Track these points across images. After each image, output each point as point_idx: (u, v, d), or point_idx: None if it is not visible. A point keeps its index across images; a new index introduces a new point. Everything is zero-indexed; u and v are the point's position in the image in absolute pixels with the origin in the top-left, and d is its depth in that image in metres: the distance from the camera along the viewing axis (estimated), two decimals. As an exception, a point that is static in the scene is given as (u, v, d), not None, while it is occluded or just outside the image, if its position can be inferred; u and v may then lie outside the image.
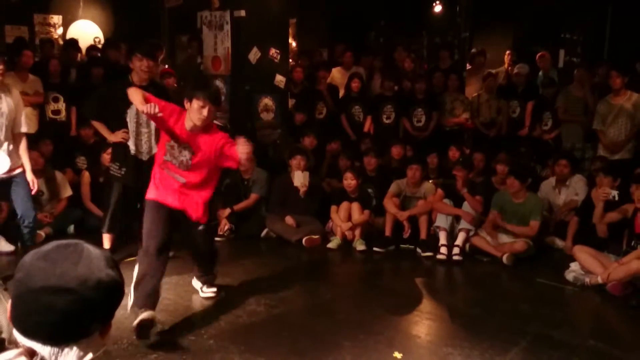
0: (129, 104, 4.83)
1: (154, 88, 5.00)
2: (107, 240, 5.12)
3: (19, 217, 4.63)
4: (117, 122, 4.95)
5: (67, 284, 1.14)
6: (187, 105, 3.76)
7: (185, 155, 3.84)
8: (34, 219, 4.67)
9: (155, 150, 4.94)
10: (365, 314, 4.22)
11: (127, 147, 4.94)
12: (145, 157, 4.97)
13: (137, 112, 4.90)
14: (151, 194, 3.93)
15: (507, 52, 8.62)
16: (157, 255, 3.77)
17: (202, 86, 3.89)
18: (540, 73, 8.12)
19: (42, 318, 1.14)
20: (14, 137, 4.51)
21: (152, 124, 4.89)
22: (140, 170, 4.93)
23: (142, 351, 3.53)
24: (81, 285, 1.15)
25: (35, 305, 1.14)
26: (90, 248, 1.22)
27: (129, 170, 4.98)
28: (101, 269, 1.19)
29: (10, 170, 4.43)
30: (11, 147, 4.47)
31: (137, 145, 4.96)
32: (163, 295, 4.47)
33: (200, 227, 4.04)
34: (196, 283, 4.47)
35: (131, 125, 4.92)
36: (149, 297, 3.69)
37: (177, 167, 3.86)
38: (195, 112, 3.72)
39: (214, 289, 4.40)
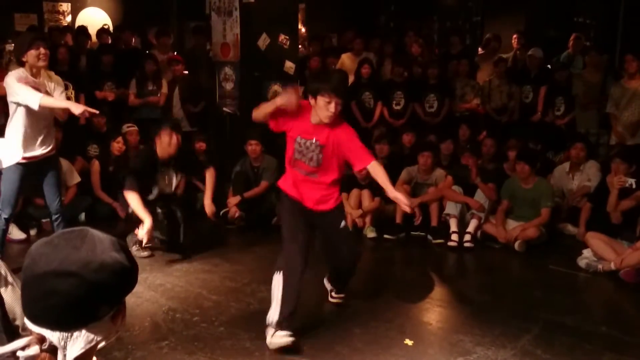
0: None
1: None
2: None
3: (52, 204, 4.65)
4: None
5: (68, 268, 1.15)
6: (312, 102, 3.50)
7: (314, 150, 3.57)
8: (59, 205, 4.69)
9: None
10: (376, 301, 4.23)
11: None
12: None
13: None
14: (288, 187, 3.73)
15: (514, 35, 8.51)
16: (301, 258, 3.52)
17: (325, 80, 3.49)
18: (566, 53, 8.04)
19: (47, 303, 1.15)
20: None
21: None
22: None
23: (154, 338, 3.56)
24: (83, 268, 1.15)
25: (40, 290, 1.15)
26: (95, 233, 1.23)
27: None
28: (105, 251, 1.19)
29: (44, 154, 4.47)
30: (51, 134, 4.52)
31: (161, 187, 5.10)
32: (174, 282, 4.51)
33: (342, 225, 3.70)
34: (327, 284, 4.17)
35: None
36: (293, 316, 3.48)
37: (307, 164, 3.61)
38: (322, 109, 3.44)
39: (343, 295, 4.14)
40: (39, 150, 4.41)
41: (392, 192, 3.50)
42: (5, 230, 4.54)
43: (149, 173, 4.95)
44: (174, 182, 5.16)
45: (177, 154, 5.04)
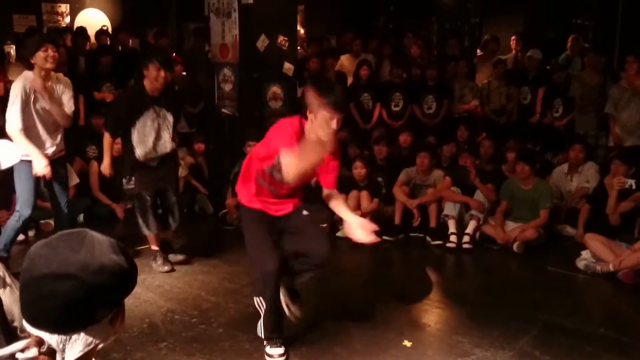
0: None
1: None
2: (152, 240, 4.80)
3: (59, 205, 4.66)
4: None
5: (67, 270, 1.14)
6: (310, 116, 3.10)
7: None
8: (66, 206, 4.71)
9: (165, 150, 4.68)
10: (374, 303, 4.22)
11: (133, 156, 4.60)
12: (154, 164, 4.64)
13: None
14: (249, 201, 3.47)
15: (513, 37, 8.52)
16: (277, 276, 3.33)
17: (329, 94, 3.05)
18: (564, 55, 8.05)
19: (45, 305, 1.15)
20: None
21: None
22: (153, 175, 4.65)
23: (152, 340, 3.56)
24: (82, 270, 1.15)
25: (39, 292, 1.15)
26: (94, 235, 1.22)
27: (140, 179, 4.66)
28: (104, 254, 1.19)
29: (55, 154, 4.49)
30: (60, 134, 4.54)
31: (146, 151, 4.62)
32: (172, 283, 4.51)
33: (304, 213, 3.49)
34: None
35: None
36: (280, 329, 3.46)
37: (277, 181, 3.33)
38: (322, 125, 3.06)
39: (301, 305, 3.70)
40: (50, 150, 4.43)
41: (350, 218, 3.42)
42: (18, 231, 4.54)
43: (138, 109, 4.53)
44: (169, 124, 4.63)
45: (167, 91, 4.68)
